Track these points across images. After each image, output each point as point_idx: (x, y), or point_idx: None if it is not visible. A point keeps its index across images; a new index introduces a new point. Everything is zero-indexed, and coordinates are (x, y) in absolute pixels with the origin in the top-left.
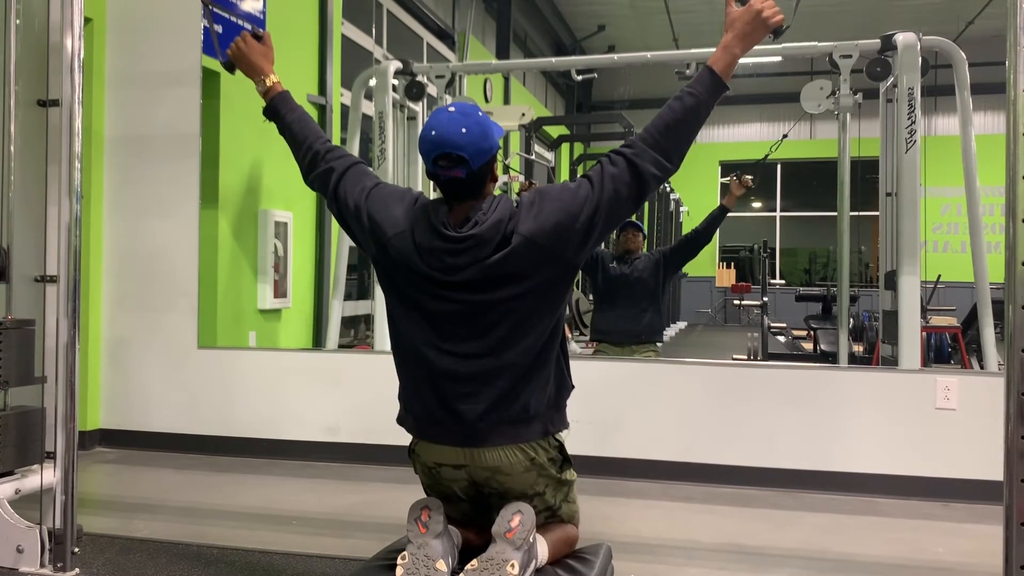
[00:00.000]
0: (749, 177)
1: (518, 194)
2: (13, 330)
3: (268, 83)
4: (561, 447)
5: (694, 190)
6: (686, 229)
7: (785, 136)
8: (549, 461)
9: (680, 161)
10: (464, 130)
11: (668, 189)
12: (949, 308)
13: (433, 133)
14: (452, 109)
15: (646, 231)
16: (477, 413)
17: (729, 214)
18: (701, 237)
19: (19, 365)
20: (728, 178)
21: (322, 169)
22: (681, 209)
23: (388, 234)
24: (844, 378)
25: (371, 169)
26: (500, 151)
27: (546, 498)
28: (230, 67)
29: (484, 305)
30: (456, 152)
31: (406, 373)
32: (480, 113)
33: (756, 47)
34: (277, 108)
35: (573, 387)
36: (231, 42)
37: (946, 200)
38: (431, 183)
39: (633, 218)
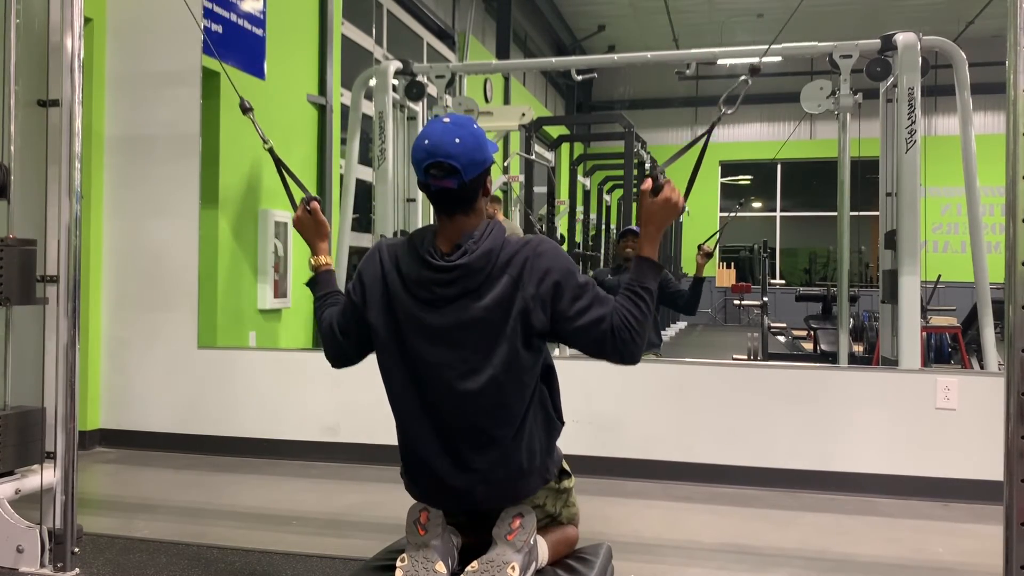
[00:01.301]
0: (709, 247)
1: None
2: (14, 247)
3: (321, 261)
4: (559, 462)
5: (694, 190)
6: (686, 230)
7: (785, 142)
8: None
9: (639, 358)
10: (458, 140)
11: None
12: (949, 308)
13: (426, 142)
14: (447, 120)
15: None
16: (473, 485)
17: (729, 215)
18: (685, 308)
19: (20, 283)
20: (699, 249)
21: (328, 333)
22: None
23: (368, 293)
24: (844, 378)
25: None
26: (496, 163)
27: (546, 508)
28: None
29: (465, 372)
30: (448, 161)
31: (402, 437)
32: (475, 126)
33: (757, 46)
34: (315, 288)
35: (563, 424)
36: (234, 42)
37: (946, 200)
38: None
39: (633, 223)
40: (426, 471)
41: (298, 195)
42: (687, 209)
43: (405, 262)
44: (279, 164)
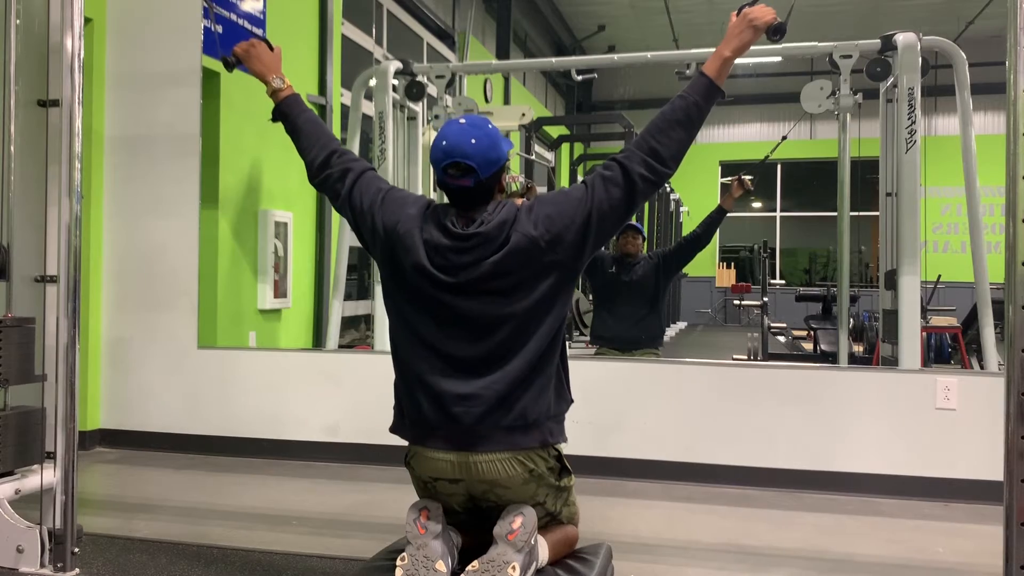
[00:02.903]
0: (749, 178)
1: (522, 195)
2: (13, 328)
3: (284, 83)
4: (560, 456)
5: (694, 190)
6: (686, 230)
7: (784, 138)
8: (548, 471)
9: (675, 164)
10: (474, 141)
11: (668, 189)
12: (949, 308)
13: (444, 143)
14: (463, 121)
15: (646, 233)
16: (474, 417)
17: (728, 214)
18: (701, 239)
19: (19, 363)
20: (729, 179)
21: (338, 169)
22: (681, 209)
23: (398, 231)
24: (844, 378)
25: (380, 176)
26: (510, 157)
27: (547, 506)
28: (229, 65)
29: (484, 311)
30: (465, 161)
31: (403, 375)
32: (490, 126)
33: (755, 47)
34: (289, 108)
35: (572, 401)
36: (234, 42)
37: (946, 200)
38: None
39: (633, 220)
40: (426, 388)
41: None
42: (687, 209)
43: (427, 228)
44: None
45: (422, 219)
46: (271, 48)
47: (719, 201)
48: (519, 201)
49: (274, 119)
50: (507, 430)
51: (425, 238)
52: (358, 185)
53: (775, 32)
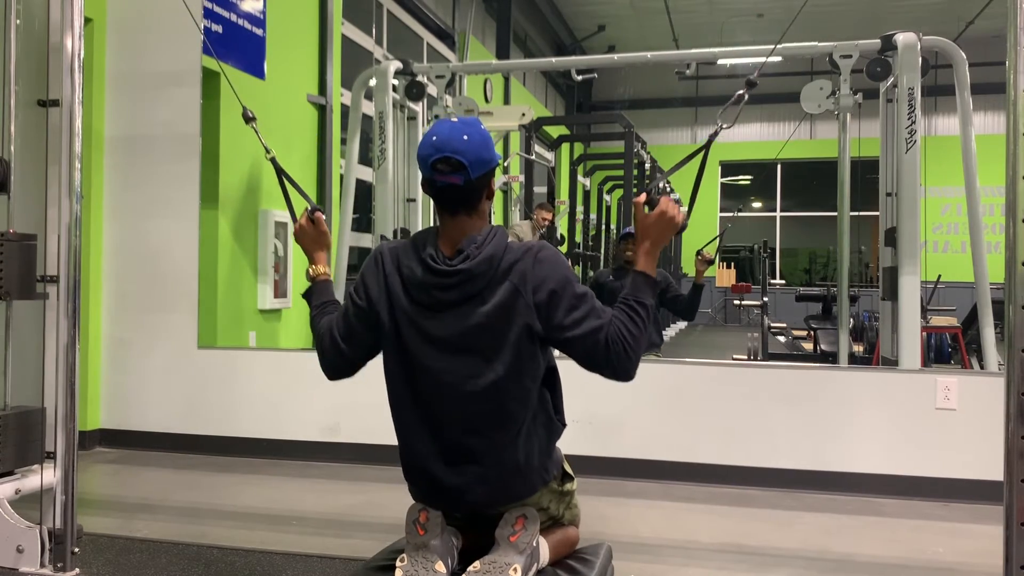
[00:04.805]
0: (709, 254)
1: (532, 221)
2: (14, 242)
3: (320, 270)
4: (560, 466)
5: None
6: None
7: (786, 142)
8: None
9: (634, 375)
10: (466, 137)
11: (668, 189)
12: (949, 308)
13: (434, 138)
14: (455, 119)
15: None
16: (470, 485)
17: (729, 215)
18: (683, 314)
19: (20, 278)
20: (696, 254)
21: (328, 342)
22: (681, 210)
23: (372, 299)
24: (844, 378)
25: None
26: (499, 163)
27: (549, 511)
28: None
29: (465, 376)
30: (456, 157)
31: (399, 438)
32: (482, 127)
33: (757, 47)
34: (311, 298)
35: (564, 426)
36: (234, 43)
37: (946, 200)
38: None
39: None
40: (423, 472)
41: (299, 205)
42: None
43: (406, 264)
44: (281, 174)
45: (394, 263)
46: (314, 221)
47: (694, 278)
48: (545, 217)
49: (303, 296)
50: (504, 489)
51: (406, 275)
52: (336, 336)
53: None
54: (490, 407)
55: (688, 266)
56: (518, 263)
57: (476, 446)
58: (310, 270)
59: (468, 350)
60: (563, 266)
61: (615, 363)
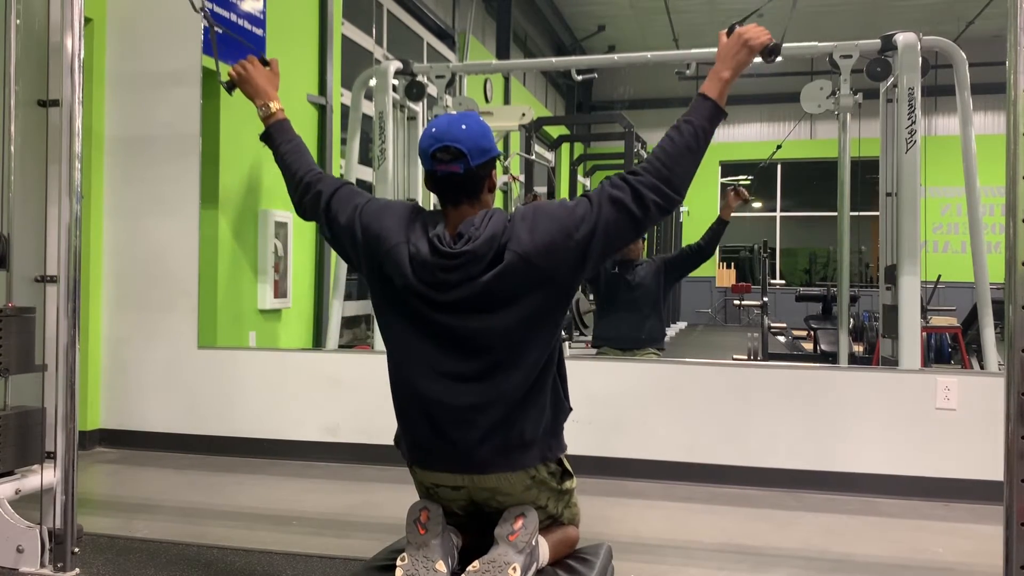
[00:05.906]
0: (745, 183)
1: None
2: (13, 317)
3: (272, 108)
4: (561, 461)
5: (694, 190)
6: (686, 231)
7: (779, 147)
8: (550, 475)
9: (684, 191)
10: (464, 127)
11: None
12: (949, 308)
13: (434, 130)
14: (454, 113)
15: (645, 235)
16: (472, 441)
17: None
18: (704, 251)
19: (19, 352)
20: (728, 180)
21: (311, 194)
22: (681, 210)
23: (382, 247)
24: (844, 378)
25: (361, 190)
26: (499, 160)
27: (548, 510)
28: (230, 87)
29: (477, 329)
30: (455, 145)
31: (398, 397)
32: (481, 119)
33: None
34: (273, 135)
35: (571, 409)
36: (234, 43)
37: (946, 200)
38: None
39: None
40: (426, 421)
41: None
42: (687, 209)
43: (414, 241)
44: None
45: (407, 229)
46: (266, 63)
47: (719, 212)
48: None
49: (263, 142)
50: (505, 452)
51: (412, 252)
52: (332, 205)
53: (770, 53)
54: (501, 355)
55: (694, 270)
56: (515, 229)
57: (484, 390)
58: (270, 105)
59: (477, 310)
60: (551, 204)
61: (655, 196)
